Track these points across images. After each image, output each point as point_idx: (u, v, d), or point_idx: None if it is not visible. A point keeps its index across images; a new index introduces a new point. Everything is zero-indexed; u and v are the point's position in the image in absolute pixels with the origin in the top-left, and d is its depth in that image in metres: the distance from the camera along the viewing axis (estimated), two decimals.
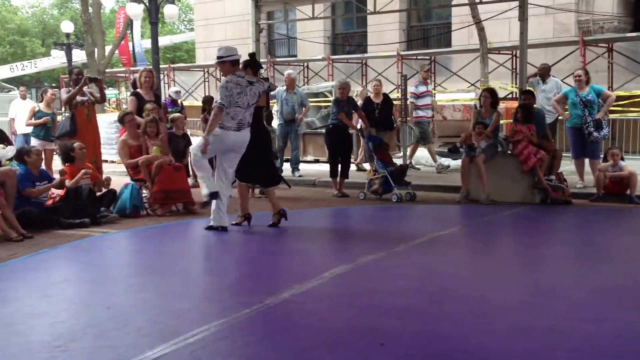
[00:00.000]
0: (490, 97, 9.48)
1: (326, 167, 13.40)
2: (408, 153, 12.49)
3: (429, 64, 19.60)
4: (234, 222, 7.37)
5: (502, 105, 14.32)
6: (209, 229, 7.12)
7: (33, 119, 10.90)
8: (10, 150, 7.92)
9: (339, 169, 10.12)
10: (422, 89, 12.46)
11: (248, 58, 7.25)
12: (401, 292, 4.75)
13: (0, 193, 6.90)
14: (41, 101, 11.35)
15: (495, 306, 4.38)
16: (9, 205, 7.02)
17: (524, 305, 4.42)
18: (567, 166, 10.36)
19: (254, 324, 4.06)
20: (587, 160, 9.91)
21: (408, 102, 11.87)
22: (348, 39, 24.35)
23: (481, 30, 15.70)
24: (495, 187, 9.14)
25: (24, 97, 14.27)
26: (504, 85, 17.10)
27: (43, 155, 9.84)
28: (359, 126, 10.74)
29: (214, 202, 7.07)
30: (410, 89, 12.39)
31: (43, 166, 8.53)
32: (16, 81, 33.26)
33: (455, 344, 3.65)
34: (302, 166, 12.66)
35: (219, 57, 7.07)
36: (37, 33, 44.16)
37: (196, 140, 11.39)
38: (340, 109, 9.90)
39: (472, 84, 17.49)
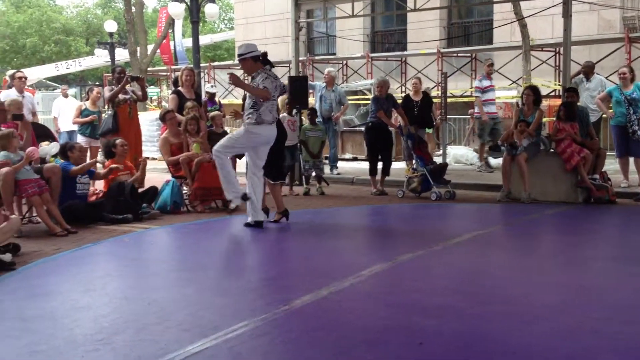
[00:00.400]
0: (533, 94, 9.34)
1: (364, 165, 13.40)
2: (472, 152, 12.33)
3: (470, 61, 19.45)
4: (272, 220, 7.41)
5: (544, 103, 14.10)
6: (247, 226, 7.17)
7: (80, 117, 11.15)
8: (55, 147, 8.10)
9: (379, 166, 10.08)
10: (487, 83, 12.06)
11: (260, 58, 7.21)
12: (440, 291, 4.72)
13: (46, 189, 7.06)
14: (87, 99, 11.59)
15: (536, 307, 4.31)
16: (53, 200, 7.18)
17: (566, 307, 4.35)
18: (611, 165, 10.15)
19: (292, 321, 4.07)
20: (631, 159, 9.70)
21: (474, 97, 11.60)
22: (387, 36, 24.24)
23: (524, 27, 15.49)
24: (537, 186, 9.02)
25: (65, 96, 14.58)
26: (547, 82, 16.85)
27: (88, 152, 10.05)
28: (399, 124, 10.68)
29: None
30: (475, 83, 12.18)
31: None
32: (61, 79, 34.01)
33: (495, 345, 3.61)
34: (340, 164, 12.67)
35: (239, 55, 7.13)
36: (81, 32, 45.01)
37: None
38: (380, 107, 9.86)
39: (514, 82, 17.27)
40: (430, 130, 12.70)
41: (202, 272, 5.46)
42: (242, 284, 5.09)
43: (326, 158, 12.15)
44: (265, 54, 7.24)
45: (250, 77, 7.24)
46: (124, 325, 3.99)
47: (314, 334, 3.82)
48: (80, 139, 10.86)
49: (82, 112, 11.17)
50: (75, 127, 11.72)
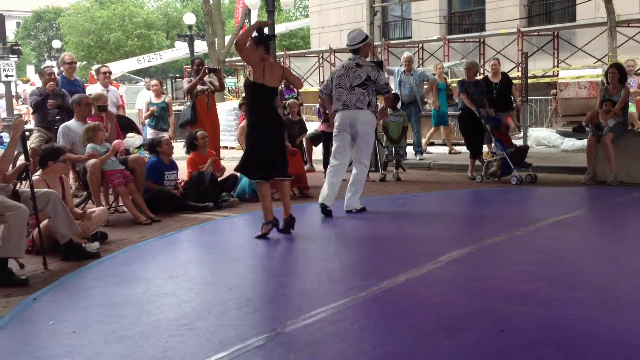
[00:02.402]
0: (618, 72, 8.94)
1: (442, 150, 13.22)
2: None
3: (552, 40, 18.80)
4: (257, 235, 6.15)
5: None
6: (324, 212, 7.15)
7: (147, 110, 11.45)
8: (138, 139, 8.35)
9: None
10: None
11: (258, 35, 6.21)
12: (522, 277, 4.60)
13: (131, 179, 7.30)
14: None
15: (625, 293, 4.15)
16: (138, 190, 7.43)
17: None
18: None
19: (370, 307, 4.07)
20: None
21: None
22: (465, 17, 23.72)
23: (609, 3, 14.81)
24: (624, 167, 8.65)
25: (149, 88, 15.00)
26: (634, 59, 16.08)
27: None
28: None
29: (353, 188, 7.27)
30: None
31: None
32: (143, 72, 35.07)
33: (582, 331, 3.49)
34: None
35: (365, 39, 7.16)
36: (162, 26, 46.22)
37: (314, 126, 11.51)
38: (464, 90, 9.66)
39: (599, 60, 16.60)
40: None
41: (279, 258, 5.53)
42: (319, 270, 5.12)
43: (409, 144, 11.96)
44: (261, 30, 6.32)
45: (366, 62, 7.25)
46: (206, 310, 4.09)
47: (391, 320, 3.81)
48: (148, 132, 11.10)
49: (148, 105, 11.47)
50: None
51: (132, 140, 8.44)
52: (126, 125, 9.12)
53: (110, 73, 10.37)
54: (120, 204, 7.70)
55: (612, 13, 15.01)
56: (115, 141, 7.46)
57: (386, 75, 12.08)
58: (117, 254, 5.82)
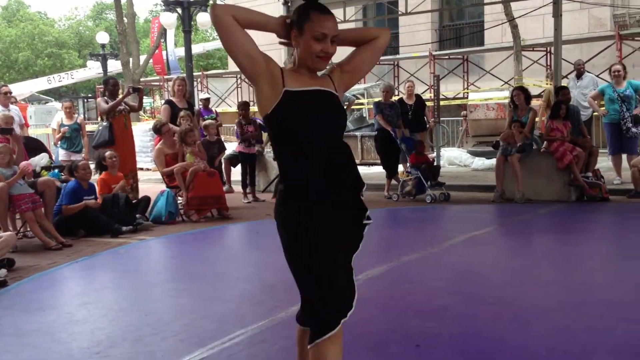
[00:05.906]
0: (522, 94, 9.38)
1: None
2: None
3: (462, 63, 19.51)
4: None
5: (536, 103, 14.11)
6: None
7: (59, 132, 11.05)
8: (44, 157, 8.04)
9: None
10: None
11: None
12: (436, 293, 4.72)
13: (40, 205, 7.03)
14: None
15: (532, 306, 4.33)
16: (47, 214, 7.17)
17: (562, 305, 4.36)
18: (604, 162, 10.17)
19: (290, 327, 4.05)
20: (624, 156, 9.74)
21: None
22: None
23: (514, 28, 15.57)
24: (530, 185, 9.04)
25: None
26: (539, 82, 16.91)
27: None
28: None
29: None
30: None
31: None
32: (53, 92, 33.98)
33: (492, 345, 3.62)
34: None
35: None
36: (73, 45, 45.01)
37: (232, 147, 11.46)
38: (380, 111, 9.89)
39: (506, 82, 17.34)
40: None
41: (198, 281, 5.45)
42: (238, 292, 5.09)
43: None
44: None
45: None
46: (121, 337, 3.98)
47: None
48: (61, 153, 10.69)
49: (60, 127, 11.07)
50: None
51: (38, 158, 8.13)
52: (35, 147, 8.81)
53: (10, 93, 9.89)
54: (29, 229, 7.40)
55: (517, 38, 15.78)
56: (23, 163, 7.19)
57: None
58: (25, 281, 5.58)
